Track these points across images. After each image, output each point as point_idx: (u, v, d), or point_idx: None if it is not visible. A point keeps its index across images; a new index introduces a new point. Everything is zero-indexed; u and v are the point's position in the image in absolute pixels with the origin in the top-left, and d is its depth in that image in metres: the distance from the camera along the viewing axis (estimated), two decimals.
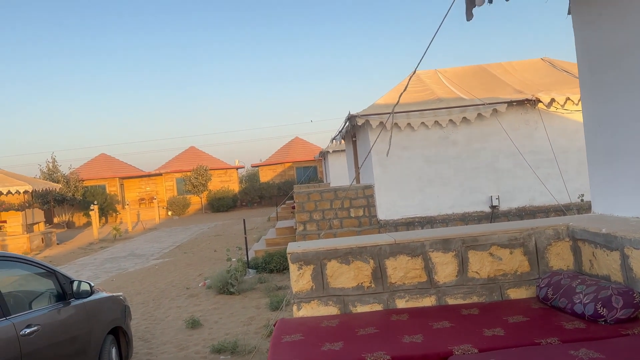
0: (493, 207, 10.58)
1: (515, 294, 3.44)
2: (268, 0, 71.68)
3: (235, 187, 36.45)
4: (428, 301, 3.38)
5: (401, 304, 3.38)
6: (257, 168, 40.57)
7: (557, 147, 10.34)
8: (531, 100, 10.53)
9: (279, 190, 33.72)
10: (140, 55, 70.12)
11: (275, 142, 62.02)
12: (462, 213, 10.63)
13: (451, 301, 3.40)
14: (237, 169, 38.40)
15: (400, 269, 3.39)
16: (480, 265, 3.41)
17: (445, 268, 3.40)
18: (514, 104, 10.57)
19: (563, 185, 10.04)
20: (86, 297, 4.67)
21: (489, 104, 10.42)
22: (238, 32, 73.08)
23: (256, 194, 34.65)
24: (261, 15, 72.70)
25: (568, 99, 10.40)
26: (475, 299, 3.40)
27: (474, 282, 3.41)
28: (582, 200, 9.72)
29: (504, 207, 10.64)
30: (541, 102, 10.47)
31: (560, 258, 3.47)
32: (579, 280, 3.13)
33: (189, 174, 34.20)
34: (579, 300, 2.96)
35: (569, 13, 4.25)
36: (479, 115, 10.43)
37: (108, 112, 72.99)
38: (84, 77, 69.19)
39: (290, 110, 79.98)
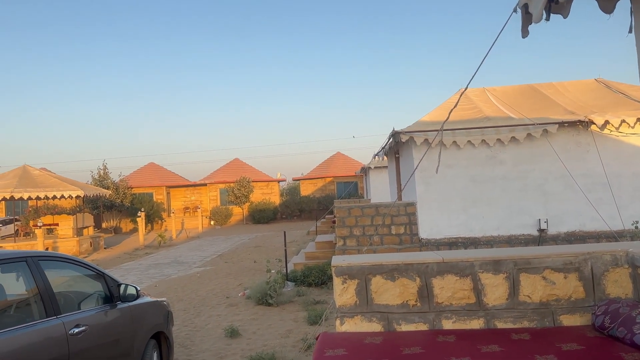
0: (541, 230, 10.23)
1: (568, 320, 3.28)
2: (310, 18, 72.70)
3: (276, 199, 36.79)
4: (476, 323, 3.27)
5: (448, 324, 3.28)
6: (298, 181, 40.83)
7: (610, 171, 9.93)
8: (584, 121, 10.18)
9: (319, 205, 33.77)
10: (191, 72, 72.36)
11: (316, 157, 62.56)
12: (508, 235, 10.32)
13: (500, 325, 3.27)
14: (278, 181, 38.78)
15: (448, 289, 3.30)
16: (533, 289, 3.28)
17: (495, 290, 3.29)
18: (566, 125, 10.24)
19: (616, 211, 9.62)
20: (132, 301, 4.77)
21: (539, 124, 10.13)
22: (283, 50, 74.36)
23: (296, 207, 34.84)
24: (305, 32, 73.76)
25: (623, 121, 9.99)
26: (526, 324, 3.27)
27: (525, 306, 3.28)
28: (636, 227, 9.27)
29: (552, 231, 10.26)
30: (594, 123, 10.10)
31: (618, 285, 3.30)
32: (639, 310, 2.97)
33: (232, 185, 34.77)
34: (639, 331, 2.80)
35: (630, 31, 4.09)
36: (529, 135, 10.15)
37: (159, 123, 75.45)
38: (140, 91, 71.91)
39: (333, 125, 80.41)
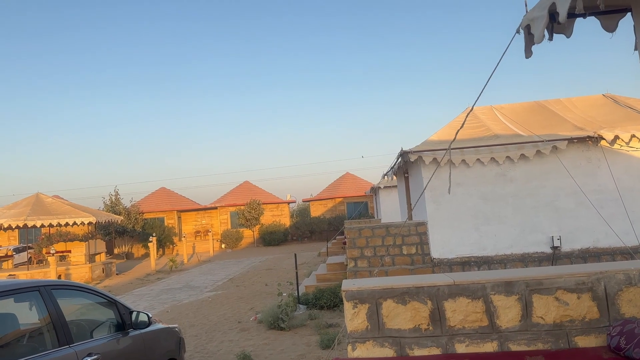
0: (554, 248, 10.12)
1: (583, 342, 3.23)
2: (316, 39, 73.64)
3: (286, 221, 36.78)
4: (490, 346, 3.23)
5: (461, 348, 3.24)
6: (308, 203, 40.84)
7: (622, 186, 9.84)
8: (593, 137, 10.14)
9: (329, 225, 33.71)
10: (200, 96, 73.30)
11: (326, 178, 62.85)
12: (521, 254, 10.22)
13: (514, 347, 3.23)
14: (288, 203, 38.81)
15: (460, 312, 3.27)
16: (546, 310, 3.24)
17: (507, 312, 3.25)
18: (575, 141, 10.21)
19: (630, 227, 9.50)
20: (144, 328, 4.78)
21: (548, 140, 10.11)
22: (291, 72, 75.23)
23: (307, 229, 34.79)
24: (312, 53, 74.66)
25: (633, 136, 9.95)
26: (540, 346, 3.22)
27: (538, 327, 3.23)
28: None
29: (566, 248, 10.15)
30: (604, 139, 10.05)
31: (632, 305, 3.25)
32: None
33: (242, 207, 34.86)
34: None
35: (635, 49, 4.11)
36: (538, 152, 10.12)
37: (169, 148, 76.20)
38: (150, 116, 72.91)
39: (342, 146, 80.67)
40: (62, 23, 64.22)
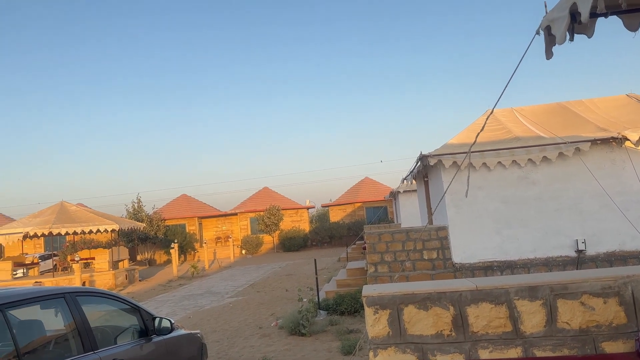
0: (579, 251, 9.92)
1: (610, 347, 3.15)
2: (333, 45, 73.78)
3: (306, 226, 36.81)
4: (514, 352, 3.18)
5: (484, 354, 3.19)
6: (327, 208, 40.80)
7: None
8: (617, 138, 9.93)
9: (348, 231, 33.63)
10: (220, 104, 74.04)
11: (345, 183, 62.65)
12: (545, 258, 10.04)
13: (539, 353, 3.17)
14: (307, 209, 38.84)
15: (483, 317, 3.22)
16: (571, 315, 3.17)
17: (532, 317, 3.19)
18: (599, 142, 10.01)
19: None
20: (167, 334, 4.83)
21: (571, 142, 9.93)
22: (309, 79, 75.50)
23: (326, 234, 34.76)
24: (330, 59, 74.83)
25: None
26: (565, 352, 3.15)
27: (564, 333, 3.17)
28: None
29: (591, 251, 9.94)
30: (628, 140, 9.84)
31: None
32: None
33: (262, 213, 35.01)
34: None
35: None
36: (561, 154, 9.95)
37: (190, 155, 77.04)
38: (170, 126, 73.89)
39: (360, 150, 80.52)
40: (81, 33, 65.62)
